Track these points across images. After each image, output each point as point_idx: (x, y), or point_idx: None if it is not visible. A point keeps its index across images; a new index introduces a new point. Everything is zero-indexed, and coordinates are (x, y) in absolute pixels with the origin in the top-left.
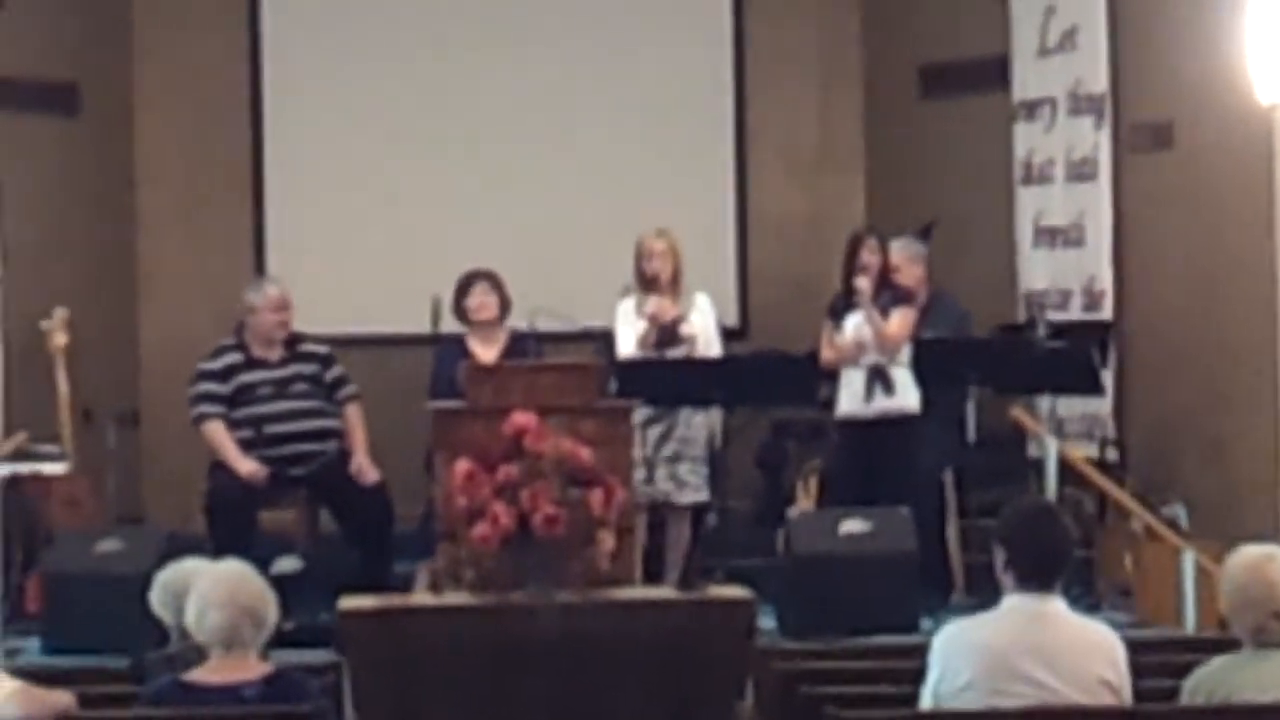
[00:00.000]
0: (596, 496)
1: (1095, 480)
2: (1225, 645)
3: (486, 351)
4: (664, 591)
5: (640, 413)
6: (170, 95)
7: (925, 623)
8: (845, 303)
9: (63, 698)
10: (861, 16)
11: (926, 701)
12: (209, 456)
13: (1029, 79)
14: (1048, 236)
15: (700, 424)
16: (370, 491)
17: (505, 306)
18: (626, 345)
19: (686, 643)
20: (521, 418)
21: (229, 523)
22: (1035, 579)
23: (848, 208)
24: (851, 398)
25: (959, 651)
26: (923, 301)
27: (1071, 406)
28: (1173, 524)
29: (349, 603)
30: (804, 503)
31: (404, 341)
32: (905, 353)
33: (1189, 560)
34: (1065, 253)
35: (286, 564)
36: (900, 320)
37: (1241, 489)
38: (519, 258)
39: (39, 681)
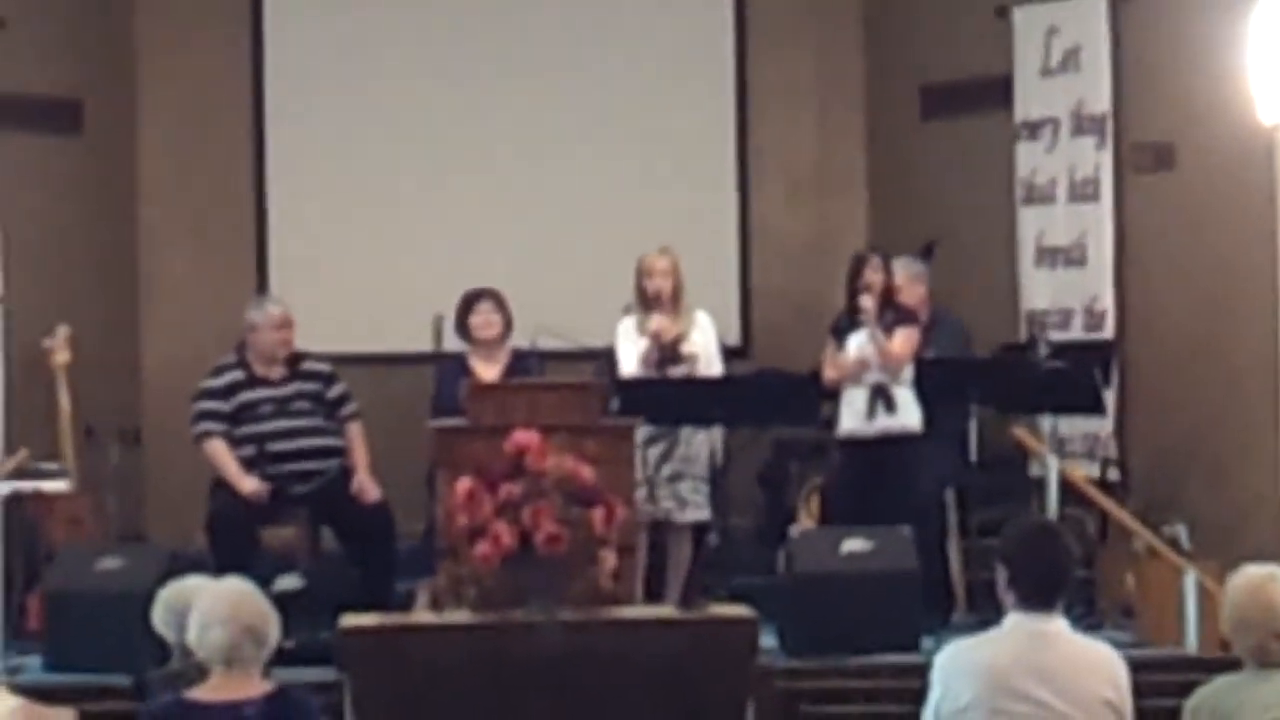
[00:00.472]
0: (598, 515)
1: (1097, 500)
2: (1227, 665)
3: (488, 370)
4: (665, 610)
5: (642, 431)
6: (173, 113)
7: (926, 642)
8: (848, 322)
9: (64, 715)
10: (863, 36)
11: None
12: (210, 474)
13: (1031, 99)
14: (1049, 256)
15: (702, 443)
16: (372, 510)
17: (508, 325)
18: (628, 364)
19: (688, 662)
20: (523, 436)
21: (230, 541)
22: (1037, 598)
23: (849, 227)
24: (853, 416)
25: (960, 671)
26: (924, 321)
27: (1073, 426)
28: (1174, 543)
29: (350, 621)
30: (805, 521)
31: (406, 360)
32: (907, 372)
33: (1191, 580)
34: (1067, 272)
35: (288, 582)
36: (904, 339)
37: (1243, 509)
38: (521, 277)
39: (41, 699)
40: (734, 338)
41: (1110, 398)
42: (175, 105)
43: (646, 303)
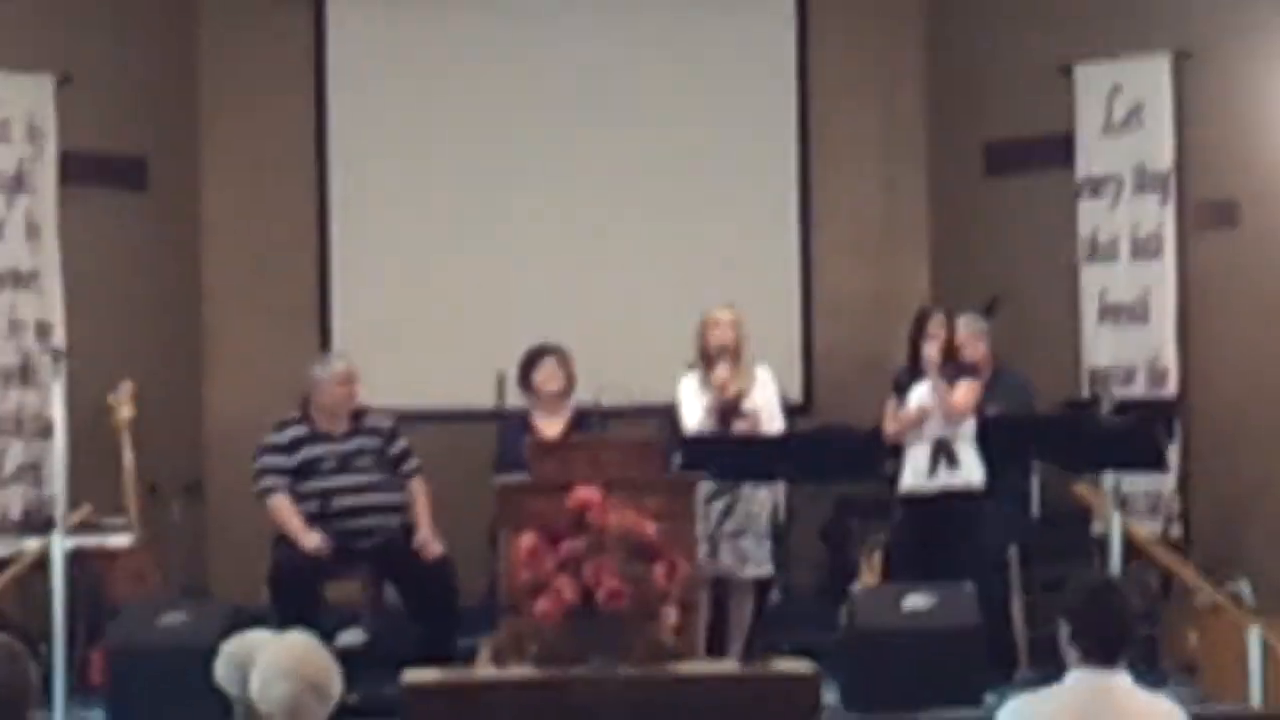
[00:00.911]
0: (660, 571)
1: (1159, 556)
2: None
3: (551, 426)
4: (728, 666)
5: (704, 487)
6: (237, 171)
7: (989, 698)
8: (910, 377)
9: None
10: (927, 93)
11: None
12: (273, 530)
13: (1094, 156)
14: (1112, 313)
15: (764, 499)
16: (434, 566)
17: (571, 382)
18: (691, 420)
19: (750, 718)
20: (585, 492)
21: (293, 595)
22: (1100, 654)
23: (912, 284)
24: (915, 473)
25: None
26: (986, 377)
27: (1135, 483)
28: (1237, 599)
29: (413, 676)
30: (868, 578)
31: (469, 416)
32: (969, 428)
33: (1255, 636)
34: (1129, 329)
35: (351, 637)
36: (966, 390)
37: None
38: (583, 334)
39: None
40: (796, 394)
41: (1173, 455)
42: (240, 163)
43: (709, 359)
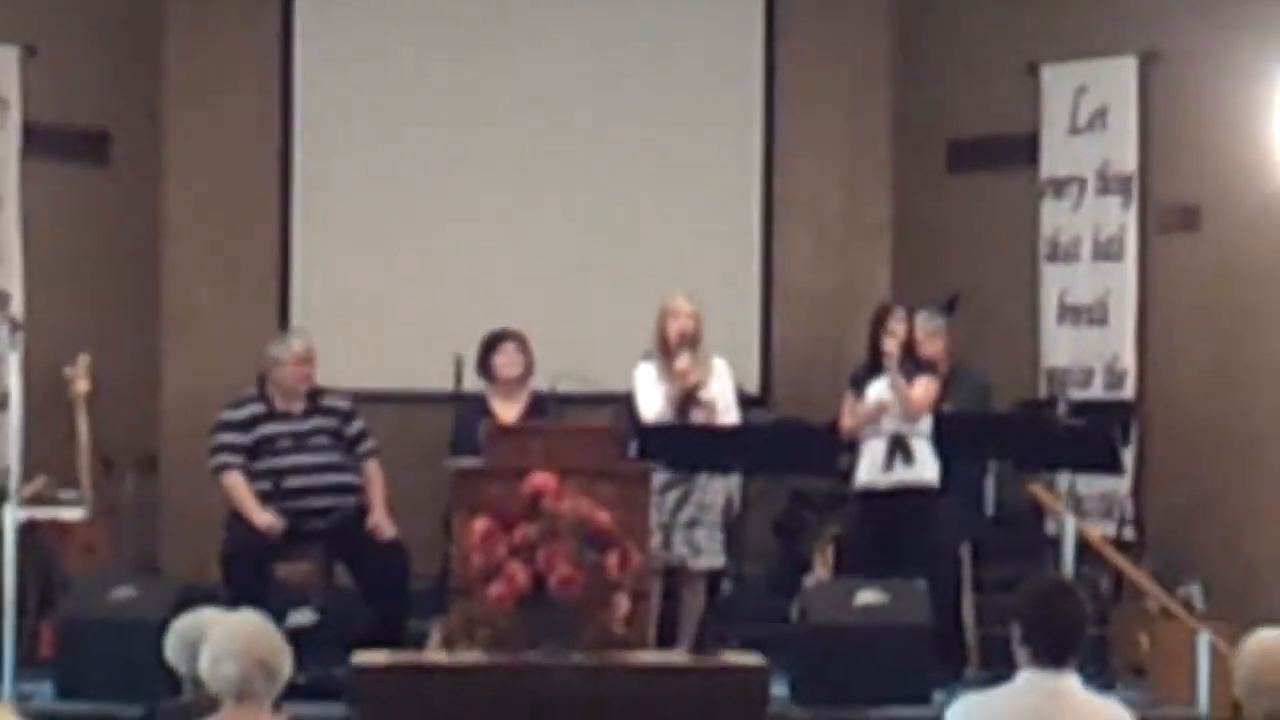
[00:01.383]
0: (613, 559)
1: (1112, 559)
2: None
3: (508, 411)
4: (677, 657)
5: (658, 477)
6: (199, 146)
7: (938, 695)
8: (868, 373)
9: None
10: (892, 89)
11: None
12: (226, 507)
13: (1058, 157)
14: (1072, 314)
15: (718, 490)
16: (387, 547)
17: (530, 367)
18: (647, 408)
19: (699, 709)
20: (540, 478)
21: (245, 574)
22: (1050, 655)
23: (873, 279)
24: (871, 467)
25: None
26: (944, 374)
27: (1090, 484)
28: (1188, 604)
29: (363, 657)
30: (820, 571)
31: (426, 399)
32: (926, 424)
33: (1204, 641)
34: (1088, 331)
35: (301, 617)
36: (924, 387)
37: (1259, 571)
38: (541, 320)
39: None
40: (754, 386)
41: (1128, 457)
42: (202, 138)
43: (667, 347)
